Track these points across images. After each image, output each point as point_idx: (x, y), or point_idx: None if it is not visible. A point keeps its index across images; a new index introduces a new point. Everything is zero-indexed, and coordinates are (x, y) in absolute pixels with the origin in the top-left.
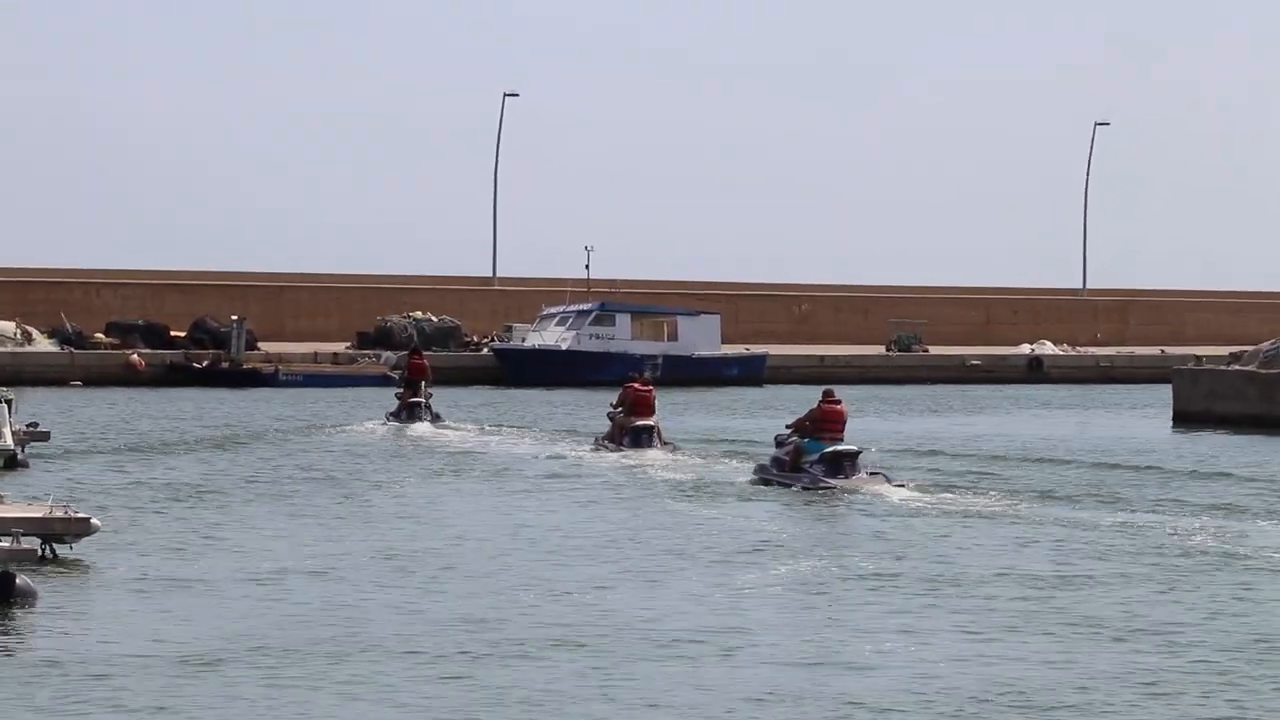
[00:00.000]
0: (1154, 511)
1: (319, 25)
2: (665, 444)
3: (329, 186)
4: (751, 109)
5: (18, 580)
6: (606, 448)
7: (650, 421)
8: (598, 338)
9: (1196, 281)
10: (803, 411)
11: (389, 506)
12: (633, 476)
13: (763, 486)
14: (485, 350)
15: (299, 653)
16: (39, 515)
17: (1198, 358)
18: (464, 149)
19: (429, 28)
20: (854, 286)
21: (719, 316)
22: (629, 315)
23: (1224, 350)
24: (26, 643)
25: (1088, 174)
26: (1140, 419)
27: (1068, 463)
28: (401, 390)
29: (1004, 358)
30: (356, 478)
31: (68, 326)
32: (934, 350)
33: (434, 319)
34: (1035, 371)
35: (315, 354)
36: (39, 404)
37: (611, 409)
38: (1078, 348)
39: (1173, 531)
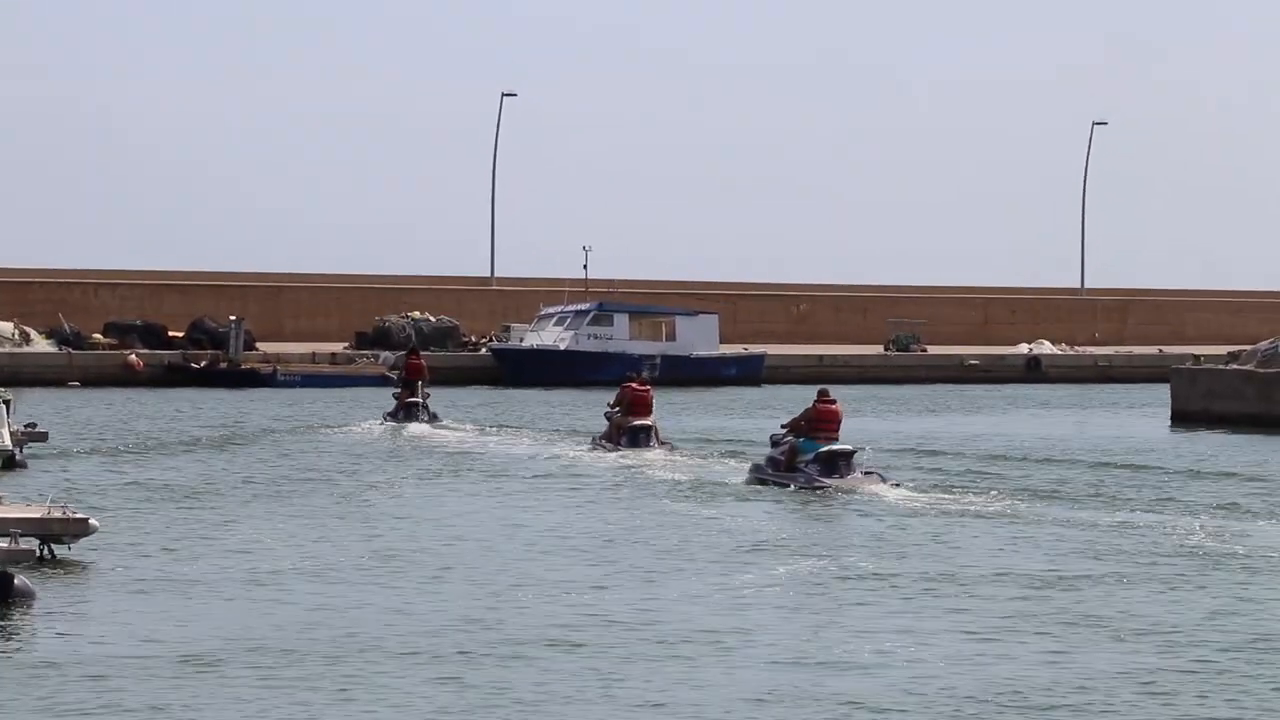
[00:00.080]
0: (1152, 511)
1: (317, 26)
2: (663, 444)
3: (327, 187)
4: (751, 109)
5: (16, 581)
6: (604, 447)
7: (648, 421)
8: (596, 338)
9: (1195, 281)
10: (799, 411)
11: (386, 507)
12: (630, 476)
13: (758, 486)
14: (483, 350)
15: (297, 653)
16: (37, 516)
17: (1196, 357)
18: (462, 149)
19: (427, 28)
20: (852, 286)
21: (717, 316)
22: (627, 315)
23: (1222, 350)
24: (25, 643)
25: (1085, 173)
26: (1138, 418)
27: (1066, 462)
28: (399, 390)
29: (1002, 357)
30: (354, 478)
31: (66, 327)
32: (932, 350)
33: (432, 319)
34: (1033, 371)
35: (313, 354)
36: (37, 404)
37: (609, 409)
38: (1076, 347)
39: (1171, 531)
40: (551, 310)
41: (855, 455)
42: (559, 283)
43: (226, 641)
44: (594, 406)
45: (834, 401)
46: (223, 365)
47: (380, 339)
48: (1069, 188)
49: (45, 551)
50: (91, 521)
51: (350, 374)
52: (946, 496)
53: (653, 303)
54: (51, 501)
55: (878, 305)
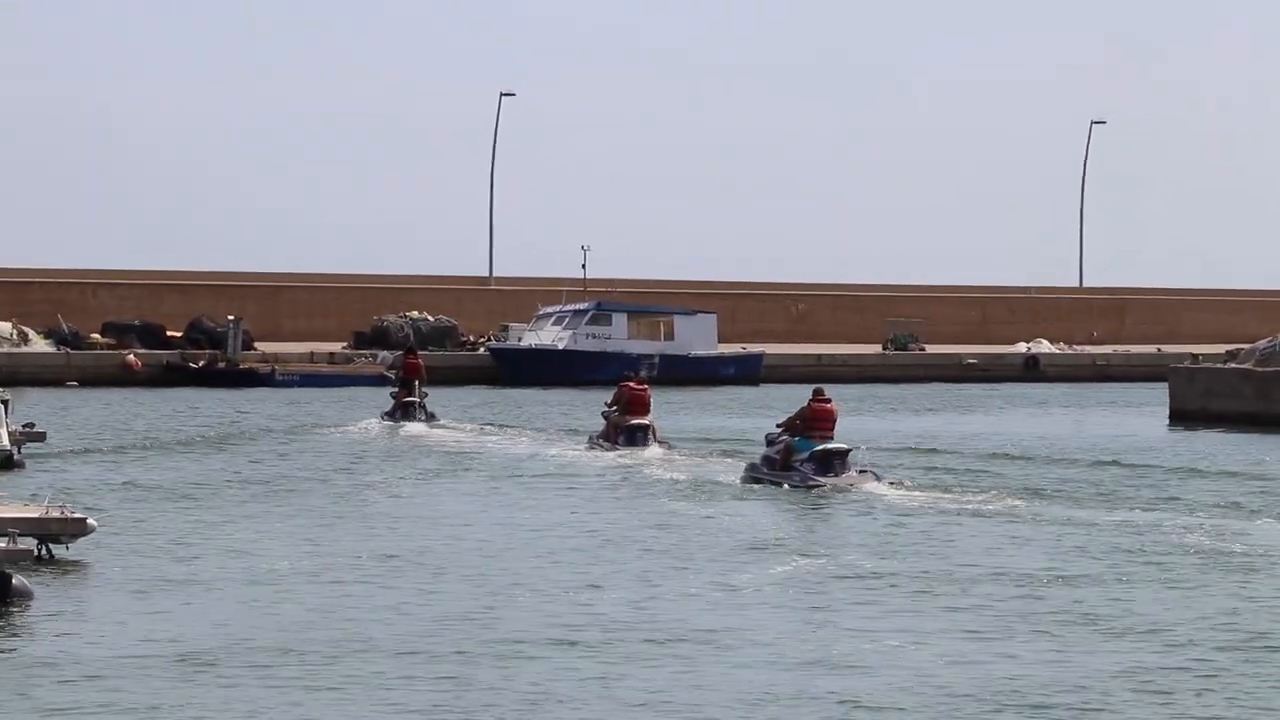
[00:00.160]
0: (1150, 510)
1: (316, 26)
2: (660, 443)
3: (325, 186)
4: (750, 109)
5: (14, 581)
6: (601, 446)
7: (645, 420)
8: (594, 337)
9: (1193, 280)
10: (795, 410)
11: (384, 506)
12: (628, 475)
13: (754, 485)
14: (482, 350)
15: (295, 653)
16: (35, 516)
17: (1194, 356)
18: (461, 149)
19: (425, 28)
20: (851, 285)
21: (715, 316)
22: (625, 315)
23: (1220, 349)
24: (23, 643)
25: (1084, 173)
26: (1137, 417)
27: (1064, 461)
28: (396, 390)
29: (1000, 356)
30: (351, 477)
31: (64, 327)
32: (931, 349)
33: (430, 319)
34: (1032, 370)
35: (312, 354)
36: (35, 404)
37: (606, 408)
38: (1074, 346)
39: (1169, 530)
40: (550, 310)
41: (850, 454)
42: (557, 282)
43: (224, 641)
44: (592, 406)
45: (829, 400)
46: (221, 365)
47: (379, 339)
48: (1067, 187)
49: (43, 551)
50: (89, 521)
51: (349, 374)
52: (943, 495)
53: (651, 302)
54: (49, 501)
55: (876, 304)
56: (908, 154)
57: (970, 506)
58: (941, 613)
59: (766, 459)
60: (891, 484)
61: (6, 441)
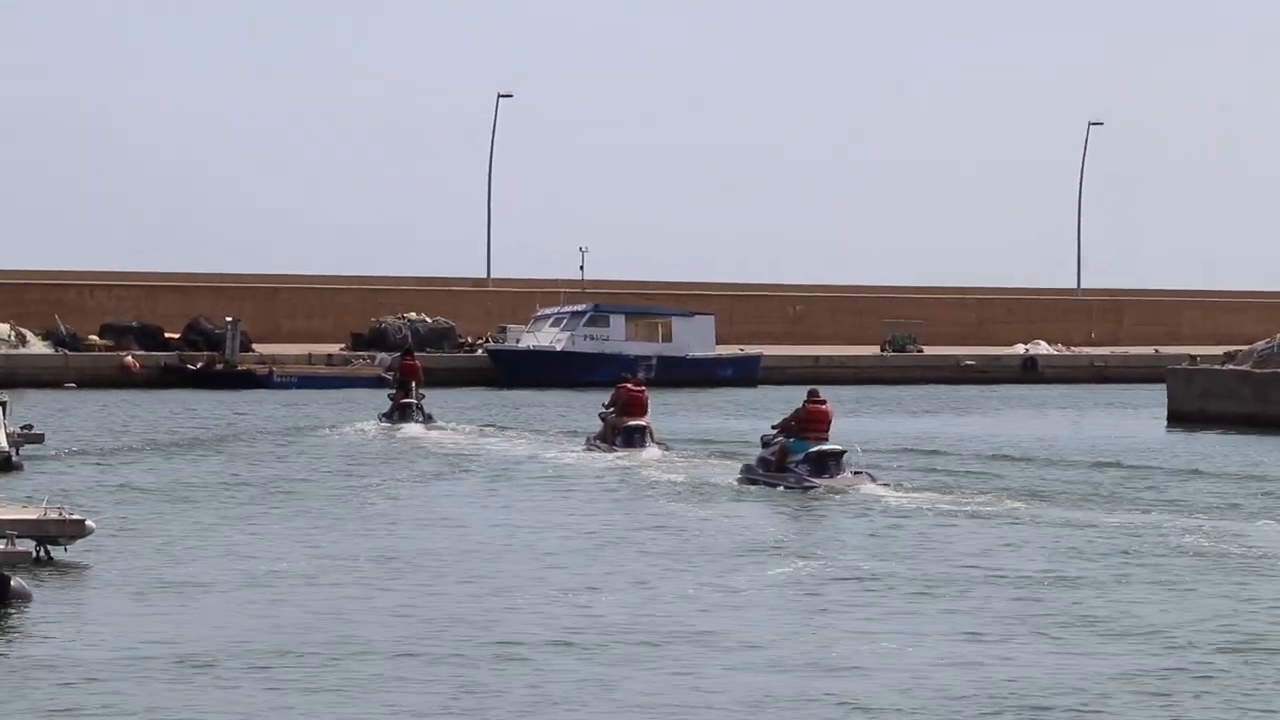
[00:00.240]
0: (1148, 511)
1: (315, 26)
2: (657, 444)
3: (323, 188)
4: (749, 109)
5: (12, 582)
6: (599, 448)
7: (642, 422)
8: (592, 339)
9: (1191, 281)
10: (790, 411)
11: (382, 508)
12: (624, 477)
13: (750, 487)
14: (480, 351)
15: (293, 655)
16: (34, 517)
17: (1192, 357)
18: (458, 150)
19: (423, 28)
20: (849, 287)
21: (713, 317)
22: (623, 316)
23: (1218, 350)
24: (21, 645)
25: (1081, 173)
26: (1134, 419)
27: (1062, 463)
28: (394, 391)
29: (998, 358)
30: (349, 479)
31: (62, 328)
32: (929, 350)
33: (428, 320)
34: (1030, 371)
35: (310, 355)
36: (33, 406)
37: (604, 409)
38: (1072, 348)
39: (1167, 531)
40: (548, 311)
41: (844, 455)
42: (555, 284)
43: (223, 643)
44: (590, 407)
45: (824, 402)
46: (219, 366)
47: (376, 340)
48: (1065, 188)
49: (42, 553)
50: (88, 523)
51: (346, 375)
52: (940, 497)
53: (649, 303)
54: (48, 503)
55: (874, 306)
56: (906, 154)
57: (968, 508)
58: (939, 614)
59: (762, 460)
60: (886, 485)
61: (4, 443)
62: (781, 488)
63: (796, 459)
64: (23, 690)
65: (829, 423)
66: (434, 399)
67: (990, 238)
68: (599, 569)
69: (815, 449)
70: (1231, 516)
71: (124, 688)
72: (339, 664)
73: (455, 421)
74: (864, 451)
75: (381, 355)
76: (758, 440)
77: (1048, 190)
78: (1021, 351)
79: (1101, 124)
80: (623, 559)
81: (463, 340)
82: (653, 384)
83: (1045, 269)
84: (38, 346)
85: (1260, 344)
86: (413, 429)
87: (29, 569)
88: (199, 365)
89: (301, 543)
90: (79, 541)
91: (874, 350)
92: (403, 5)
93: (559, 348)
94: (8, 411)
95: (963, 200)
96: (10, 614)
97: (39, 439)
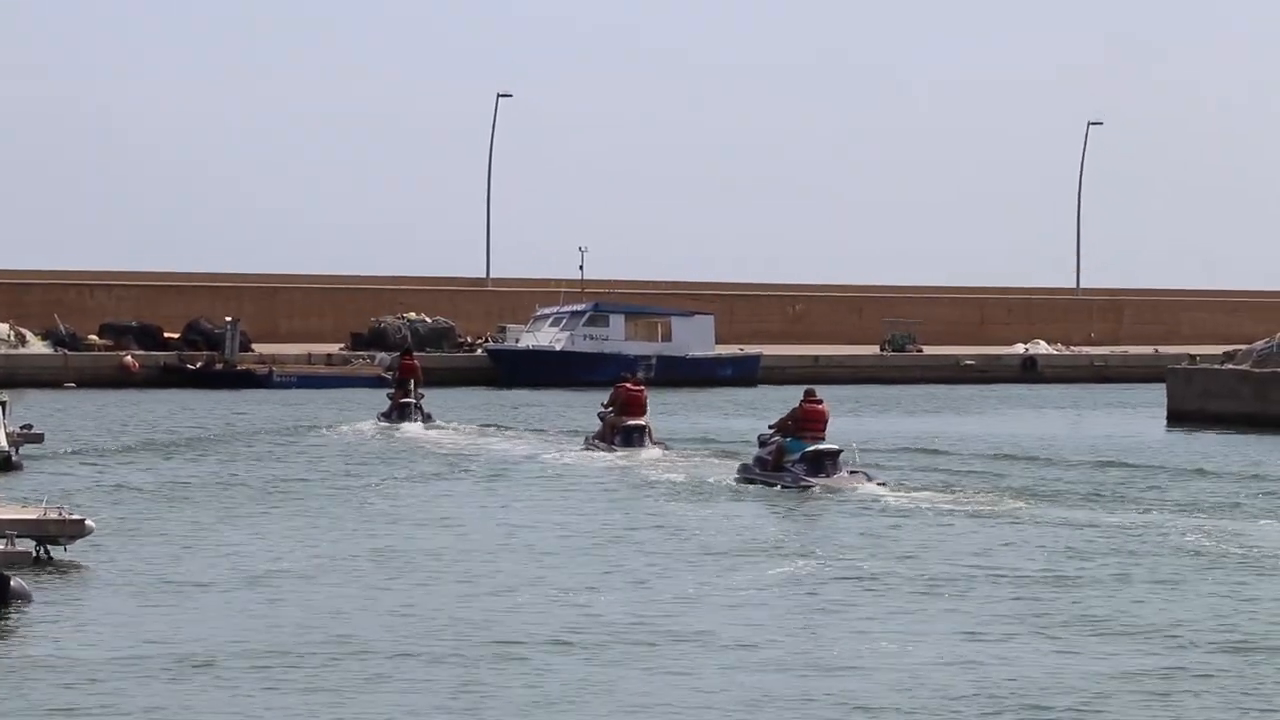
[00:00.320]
0: (1148, 511)
1: (315, 26)
2: (656, 444)
3: (323, 187)
4: (749, 109)
5: (12, 582)
6: (597, 447)
7: (641, 421)
8: (592, 338)
9: (1191, 281)
10: (787, 411)
11: (381, 507)
12: (623, 476)
13: (747, 486)
14: (479, 351)
15: (292, 654)
16: (33, 517)
17: (1191, 357)
18: (458, 150)
19: (425, 25)
20: (848, 286)
21: (713, 317)
22: (623, 316)
23: (1218, 349)
24: (21, 644)
25: (1081, 173)
26: (1134, 418)
27: (1061, 462)
28: (393, 391)
29: (998, 357)
30: (348, 479)
31: (61, 328)
32: (928, 350)
33: (428, 320)
34: (1029, 371)
35: (309, 355)
36: (33, 406)
37: (603, 409)
38: (1072, 347)
39: (1167, 531)
40: (547, 311)
41: (841, 455)
42: (555, 283)
43: (222, 642)
44: (589, 407)
45: (820, 401)
46: (218, 366)
47: (376, 340)
48: (1065, 188)
49: (42, 553)
50: (87, 523)
51: (346, 375)
52: (937, 496)
53: (648, 303)
54: (47, 503)
55: (873, 305)
56: (906, 154)
57: (967, 507)
58: (938, 614)
59: (759, 460)
60: (883, 484)
61: (4, 443)
62: (778, 487)
63: (793, 458)
64: (23, 690)
65: (826, 422)
66: (433, 399)
67: (990, 237)
68: (597, 568)
69: (812, 448)
70: (1231, 516)
71: (124, 687)
72: (338, 663)
73: (454, 421)
74: (863, 451)
75: (381, 355)
76: (756, 440)
77: (1047, 190)
78: (1021, 351)
79: (1101, 124)
80: (621, 558)
81: (462, 340)
82: (652, 384)
83: (1045, 269)
84: (37, 346)
85: (1260, 343)
86: (411, 428)
87: (29, 569)
88: (198, 365)
89: (300, 542)
90: (79, 541)
91: (874, 350)
92: (403, 5)
93: (558, 347)
94: (7, 411)
95: (962, 200)
96: (10, 614)
97: (39, 439)
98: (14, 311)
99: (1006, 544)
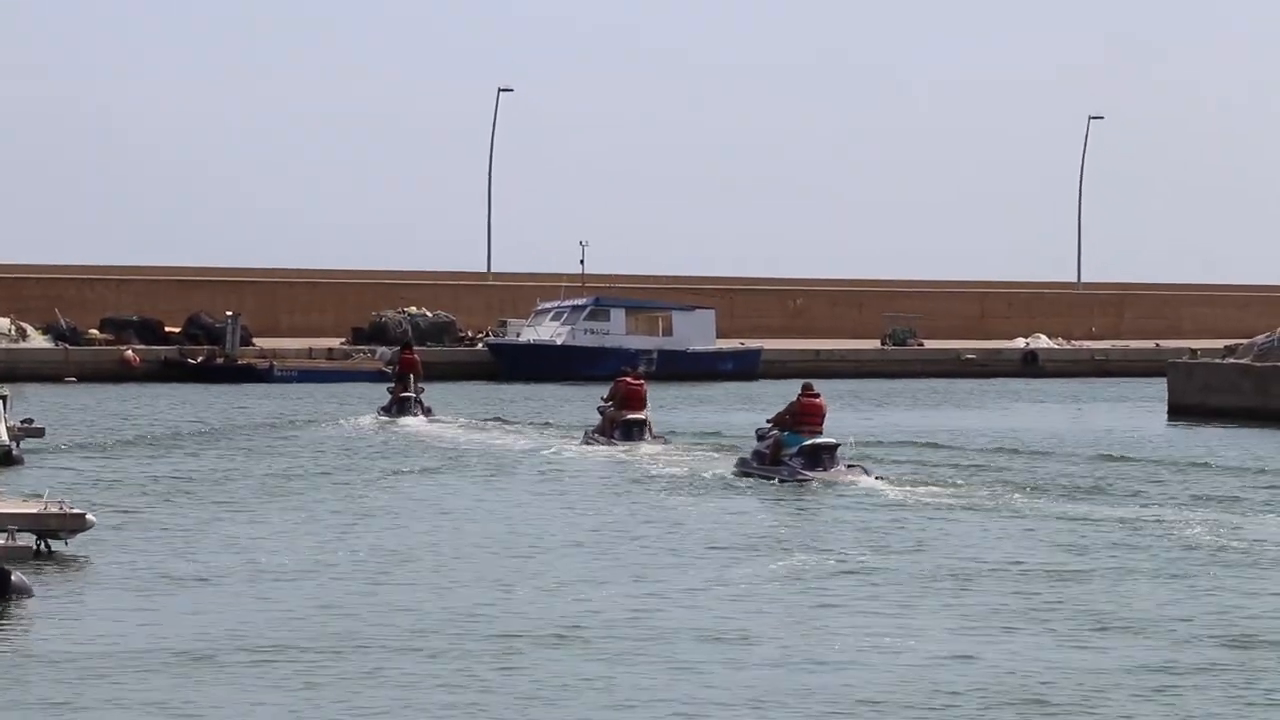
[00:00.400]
0: (1149, 505)
1: (316, 24)
2: (656, 438)
3: (324, 182)
4: (749, 108)
5: (13, 577)
6: (597, 441)
7: (641, 415)
8: (592, 333)
9: (1192, 275)
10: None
11: (380, 501)
12: (623, 470)
13: (745, 480)
14: (480, 345)
15: (293, 648)
16: (34, 511)
17: (1192, 351)
18: (459, 144)
19: (425, 25)
20: (849, 281)
21: (714, 311)
22: (624, 310)
23: (1219, 344)
24: (21, 639)
25: (1082, 168)
26: (1135, 412)
27: (1062, 456)
28: (393, 385)
29: (999, 351)
30: (348, 473)
31: (62, 322)
32: (929, 344)
33: (429, 314)
34: (1030, 365)
35: (310, 350)
36: (33, 400)
37: (602, 402)
38: (1073, 341)
39: (1168, 525)
40: (548, 305)
41: (838, 449)
42: (556, 278)
43: (222, 636)
44: (590, 401)
45: (818, 395)
46: (219, 361)
47: (377, 334)
48: (1066, 183)
49: (42, 547)
50: (88, 517)
51: (347, 369)
52: (935, 489)
53: (649, 297)
54: (48, 497)
55: (874, 300)
56: (907, 150)
57: (966, 501)
58: (938, 608)
59: (757, 454)
60: (880, 478)
61: (5, 437)
62: (776, 481)
63: (791, 452)
64: (23, 684)
65: (823, 416)
66: (434, 393)
67: (990, 232)
68: (597, 562)
69: (809, 442)
70: (1232, 510)
71: (124, 681)
72: (338, 657)
73: (454, 415)
74: (864, 445)
75: (381, 349)
76: (754, 434)
77: (1048, 185)
78: (1022, 345)
79: (1102, 118)
80: (620, 552)
81: (463, 334)
82: (653, 378)
83: (1046, 263)
84: (38, 341)
85: (1260, 338)
86: (411, 422)
87: (30, 563)
88: (199, 359)
89: (301, 536)
90: (79, 535)
91: (874, 344)
92: (403, 2)
93: (559, 342)
94: (8, 405)
95: (962, 195)
96: (11, 608)
97: (39, 433)
98: (14, 305)
99: (1006, 538)
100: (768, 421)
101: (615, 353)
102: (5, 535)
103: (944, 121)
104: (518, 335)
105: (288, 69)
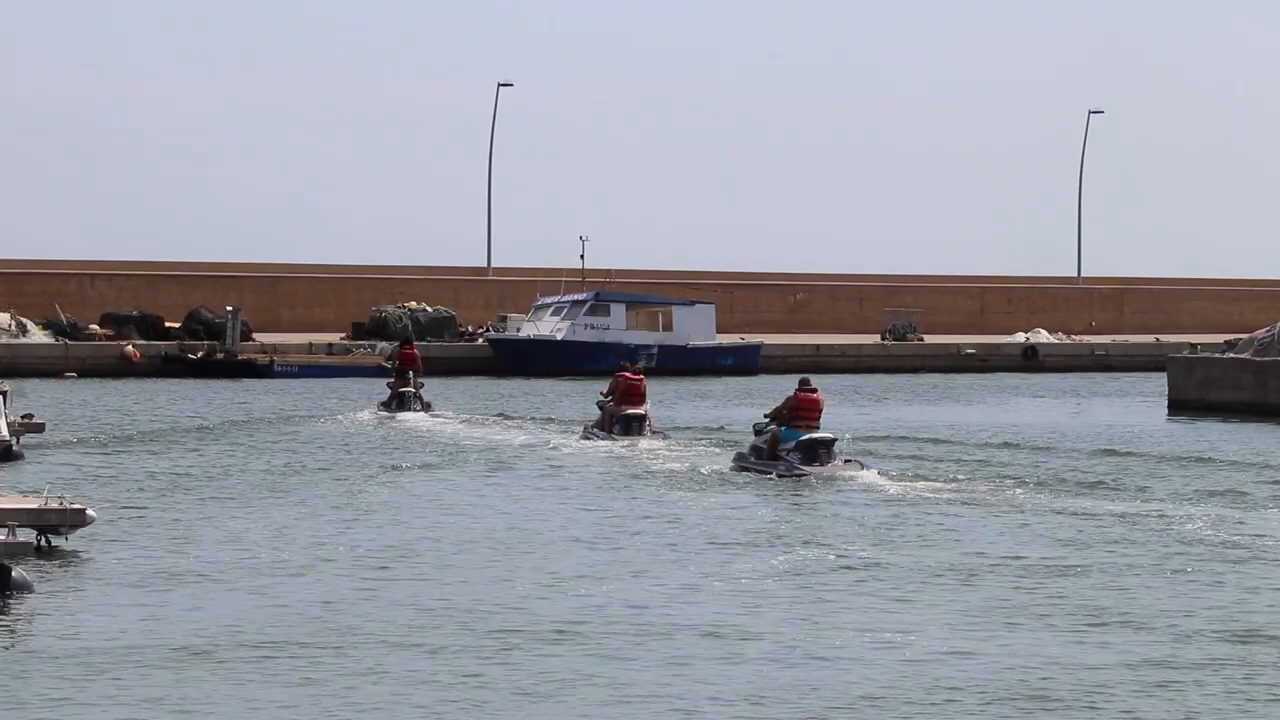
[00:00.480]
0: (1149, 499)
1: (317, 19)
2: (655, 432)
3: (324, 177)
4: (750, 100)
5: (13, 572)
6: (596, 436)
7: (641, 410)
8: (593, 328)
9: (1192, 270)
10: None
11: (380, 497)
12: (622, 465)
13: (743, 474)
14: (480, 340)
15: (293, 644)
16: (34, 507)
17: (1192, 346)
18: (459, 139)
19: (425, 20)
20: (849, 275)
21: (714, 306)
22: (624, 305)
23: (1219, 338)
24: (22, 634)
25: (1082, 163)
26: (1135, 407)
27: (1062, 451)
28: (393, 380)
29: (999, 346)
30: (348, 468)
31: (62, 318)
32: (929, 339)
33: (429, 309)
34: (1030, 360)
35: (310, 345)
36: (34, 395)
37: (602, 397)
38: (1073, 336)
39: (1168, 519)
40: (548, 300)
41: (835, 443)
42: (556, 272)
43: (222, 631)
44: (589, 396)
45: (815, 390)
46: (219, 356)
47: (377, 329)
48: (1066, 177)
49: (43, 542)
50: (89, 512)
51: (347, 364)
52: (932, 484)
53: (649, 292)
54: (48, 492)
55: (874, 294)
56: (907, 145)
57: (964, 496)
58: (938, 603)
59: (754, 448)
60: (877, 473)
61: (5, 432)
62: (774, 475)
63: (788, 447)
64: (24, 679)
65: (820, 411)
66: (434, 388)
67: (991, 228)
68: (596, 557)
69: (806, 437)
70: (1233, 505)
71: (124, 677)
72: (338, 653)
73: (454, 410)
74: (863, 440)
75: (382, 344)
76: (752, 429)
77: (1048, 180)
78: (1022, 340)
79: (1102, 112)
80: (620, 547)
81: (463, 329)
82: (653, 373)
83: (1046, 258)
84: (38, 336)
85: (1260, 332)
86: (411, 417)
87: (30, 559)
88: (200, 355)
89: (300, 532)
90: (80, 531)
91: (874, 339)
92: None
93: (559, 337)
94: (8, 401)
95: (962, 190)
96: (11, 604)
97: (40, 428)
98: (15, 301)
99: (1006, 533)
100: (765, 416)
101: (615, 347)
102: (6, 531)
103: (944, 117)
104: (518, 330)
105: (288, 65)
